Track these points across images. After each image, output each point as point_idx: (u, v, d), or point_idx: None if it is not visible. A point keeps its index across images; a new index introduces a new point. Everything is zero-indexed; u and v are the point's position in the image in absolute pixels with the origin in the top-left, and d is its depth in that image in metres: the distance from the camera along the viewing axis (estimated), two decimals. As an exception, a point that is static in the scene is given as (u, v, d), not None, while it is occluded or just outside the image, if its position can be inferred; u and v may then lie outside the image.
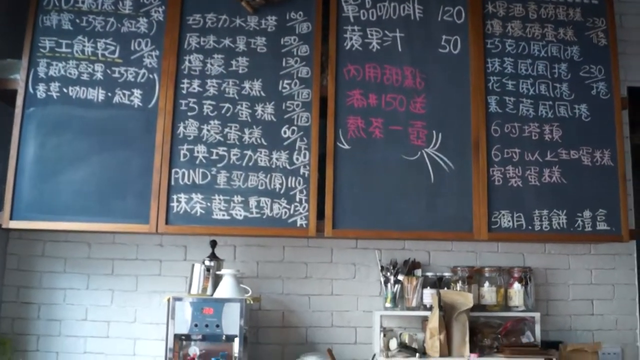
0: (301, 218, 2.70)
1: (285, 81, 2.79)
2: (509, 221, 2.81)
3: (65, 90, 2.73)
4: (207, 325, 2.53)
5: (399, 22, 2.90)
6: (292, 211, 2.71)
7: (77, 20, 2.79)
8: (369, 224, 2.73)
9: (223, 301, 2.56)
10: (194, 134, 2.73)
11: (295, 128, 2.77)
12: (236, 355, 2.53)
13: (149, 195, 2.67)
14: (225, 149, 2.73)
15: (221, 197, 2.70)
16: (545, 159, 2.88)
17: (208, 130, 2.74)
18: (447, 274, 2.91)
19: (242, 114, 2.76)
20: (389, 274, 2.89)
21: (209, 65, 2.79)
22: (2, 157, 2.74)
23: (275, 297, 2.96)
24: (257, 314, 2.91)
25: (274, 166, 2.74)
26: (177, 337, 2.55)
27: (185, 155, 2.71)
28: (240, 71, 2.79)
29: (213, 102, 2.76)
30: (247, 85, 2.78)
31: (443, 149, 2.81)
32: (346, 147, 2.77)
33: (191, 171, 2.71)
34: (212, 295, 2.66)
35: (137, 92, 2.75)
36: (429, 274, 2.91)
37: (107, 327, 2.90)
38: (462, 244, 3.05)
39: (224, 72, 2.78)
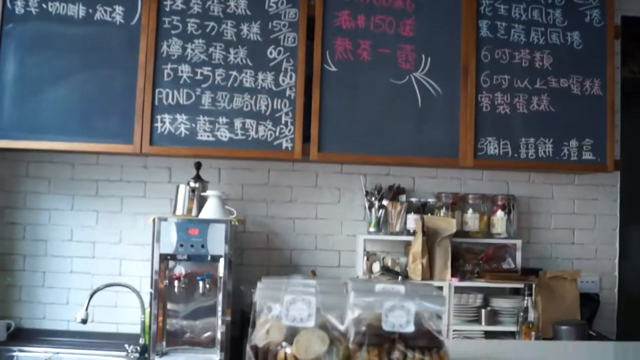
0: (287, 140, 2.69)
1: None
2: (495, 148, 2.81)
3: (44, 5, 2.65)
4: (192, 246, 2.54)
5: (390, -60, 2.81)
6: (277, 133, 2.69)
7: None
8: (355, 147, 2.73)
9: (208, 222, 2.57)
10: (177, 53, 2.67)
11: (282, 49, 2.71)
12: (221, 275, 2.56)
13: (132, 115, 2.64)
14: (209, 69, 2.68)
15: (206, 118, 2.67)
16: (534, 86, 2.85)
17: (192, 50, 2.68)
18: (431, 200, 2.93)
19: (227, 33, 2.69)
20: (373, 199, 2.90)
21: (193, -19, 2.70)
22: (-19, 74, 2.68)
23: (260, 220, 2.97)
24: (242, 236, 2.93)
25: (259, 87, 2.70)
26: (163, 257, 2.56)
27: (169, 75, 2.66)
28: (225, -12, 2.71)
29: (197, 21, 2.68)
30: (232, 3, 2.70)
31: (431, 74, 2.77)
32: (333, 69, 2.73)
33: (175, 91, 2.67)
34: (197, 216, 2.67)
35: (118, 9, 2.66)
36: (413, 199, 2.93)
37: (92, 247, 2.92)
38: (447, 171, 3.05)
39: (209, -11, 2.70)
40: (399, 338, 1.03)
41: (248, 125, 2.68)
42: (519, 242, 2.95)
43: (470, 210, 2.95)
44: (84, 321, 2.59)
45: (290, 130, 2.69)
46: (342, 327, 1.02)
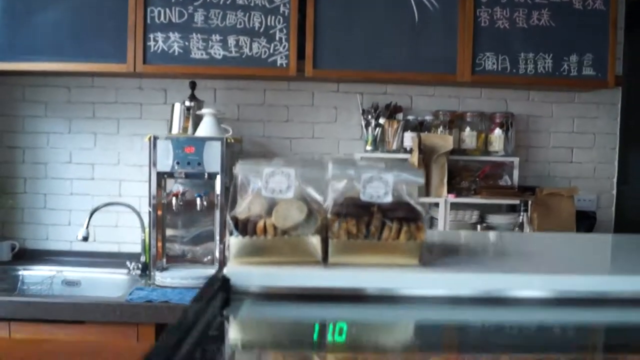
0: (281, 57, 2.66)
1: None
2: (494, 64, 2.77)
3: None
4: (189, 163, 2.56)
5: None
6: (271, 50, 2.66)
7: None
8: (350, 64, 2.70)
9: (204, 139, 2.58)
10: (168, -32, 2.62)
11: (275, -38, 2.65)
12: (218, 193, 2.59)
13: (125, 34, 2.62)
14: (201, -16, 2.63)
15: (199, 36, 2.64)
16: (534, 0, 2.78)
17: (183, -35, 2.62)
18: (428, 118, 2.91)
19: (218, -54, 2.63)
20: (370, 117, 2.88)
21: None
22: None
23: (256, 140, 2.97)
24: (239, 157, 2.94)
25: (252, 4, 2.65)
26: (160, 175, 2.59)
27: (160, -8, 2.62)
28: None
29: None
30: None
31: (428, -14, 2.71)
32: (327, -17, 2.67)
33: (167, 9, 2.64)
34: (193, 135, 2.67)
35: None
36: (410, 117, 2.91)
37: (91, 169, 2.94)
38: (445, 89, 3.02)
39: None
40: (377, 210, 1.04)
41: (242, 43, 2.65)
42: (516, 160, 2.94)
43: (467, 128, 2.93)
44: (85, 238, 2.65)
45: (284, 46, 2.65)
46: (320, 199, 1.03)
